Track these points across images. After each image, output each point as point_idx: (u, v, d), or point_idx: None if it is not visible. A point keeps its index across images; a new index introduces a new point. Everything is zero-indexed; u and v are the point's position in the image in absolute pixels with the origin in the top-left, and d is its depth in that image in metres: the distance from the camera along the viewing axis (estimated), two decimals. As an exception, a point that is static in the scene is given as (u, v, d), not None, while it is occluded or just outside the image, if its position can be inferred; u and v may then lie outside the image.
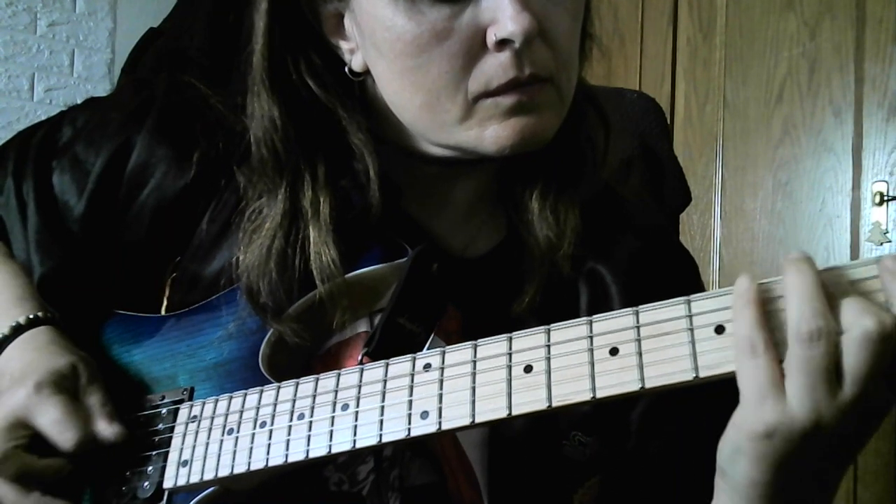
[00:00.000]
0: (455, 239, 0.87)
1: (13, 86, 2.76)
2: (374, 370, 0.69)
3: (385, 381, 0.68)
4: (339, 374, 0.71)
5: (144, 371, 0.83)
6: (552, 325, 0.64)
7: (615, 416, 0.83)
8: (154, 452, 0.77)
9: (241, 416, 0.74)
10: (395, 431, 0.66)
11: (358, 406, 0.68)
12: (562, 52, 0.75)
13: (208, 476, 0.73)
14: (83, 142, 0.89)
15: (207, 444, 0.74)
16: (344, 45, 0.81)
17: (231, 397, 0.75)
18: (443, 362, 0.67)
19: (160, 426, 0.78)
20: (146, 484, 0.76)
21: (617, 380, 0.60)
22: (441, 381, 0.66)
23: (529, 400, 0.62)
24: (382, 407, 0.67)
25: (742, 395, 0.57)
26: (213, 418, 0.75)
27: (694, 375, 0.58)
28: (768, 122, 2.28)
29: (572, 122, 0.82)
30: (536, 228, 0.83)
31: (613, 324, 0.61)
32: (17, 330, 0.81)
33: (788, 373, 0.55)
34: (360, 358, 0.76)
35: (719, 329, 0.58)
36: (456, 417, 0.64)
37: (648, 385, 0.59)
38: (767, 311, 0.57)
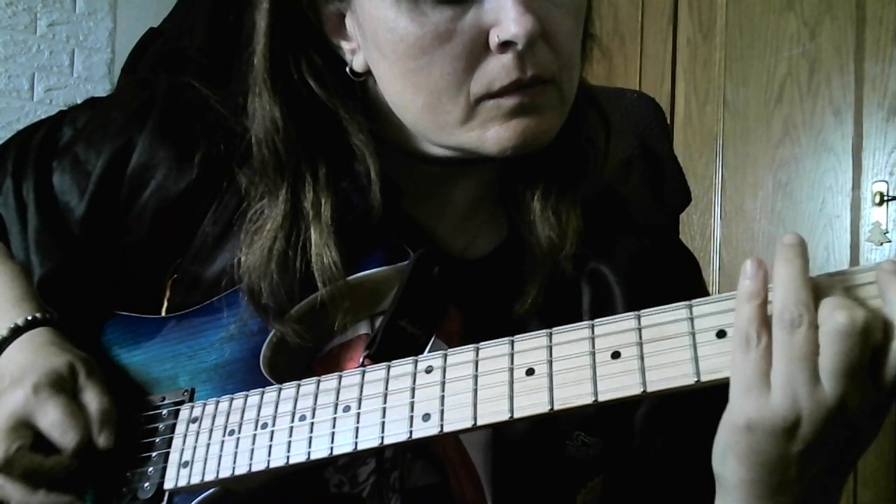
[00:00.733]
0: (456, 239, 0.87)
1: (13, 86, 2.76)
2: (376, 372, 0.70)
3: (387, 384, 0.68)
4: (340, 376, 0.71)
5: (145, 372, 0.83)
6: (554, 328, 0.64)
7: (619, 416, 0.83)
8: (155, 453, 0.77)
9: (242, 418, 0.73)
10: (396, 433, 0.66)
11: (360, 408, 0.68)
12: (564, 54, 0.75)
13: (209, 477, 0.73)
14: (84, 142, 0.89)
15: (208, 445, 0.74)
16: (345, 46, 0.80)
17: (232, 398, 0.75)
18: (445, 365, 0.67)
19: (161, 427, 0.78)
20: (147, 485, 0.76)
21: (619, 383, 0.60)
22: (443, 384, 0.66)
23: (531, 403, 0.62)
24: (384, 409, 0.67)
25: (731, 388, 0.57)
26: (214, 419, 0.75)
27: (695, 380, 0.58)
28: (768, 122, 2.28)
29: (573, 123, 0.82)
30: (538, 229, 0.83)
31: (615, 327, 0.62)
32: (16, 331, 0.81)
33: (773, 361, 0.55)
34: (361, 360, 0.76)
35: (720, 333, 0.58)
36: (458, 420, 0.64)
37: (650, 389, 0.59)
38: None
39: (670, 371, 0.59)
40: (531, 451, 0.79)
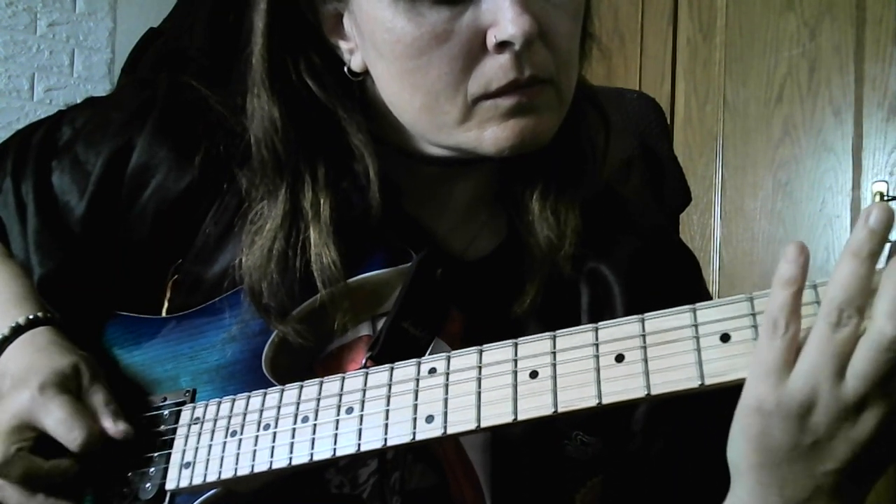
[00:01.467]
0: (455, 240, 0.87)
1: (13, 86, 2.75)
2: (379, 374, 0.70)
3: (390, 385, 0.68)
4: (343, 378, 0.71)
5: (146, 372, 0.83)
6: (558, 331, 0.64)
7: (618, 416, 0.83)
8: (156, 454, 0.77)
9: (244, 419, 0.73)
10: (400, 435, 0.66)
11: (363, 410, 0.68)
12: (561, 54, 0.75)
13: (211, 478, 0.73)
14: (83, 142, 0.89)
15: (210, 446, 0.74)
16: (343, 46, 0.80)
17: (234, 399, 0.75)
18: (448, 367, 0.67)
19: (162, 427, 0.78)
20: (148, 485, 0.76)
21: (623, 386, 0.60)
22: (446, 386, 0.66)
23: (535, 405, 0.62)
24: (387, 411, 0.67)
25: (749, 372, 0.56)
26: (215, 420, 0.75)
27: (699, 383, 0.58)
28: (768, 122, 2.28)
29: (572, 123, 0.82)
30: (537, 229, 0.83)
31: (619, 331, 0.62)
32: (17, 331, 0.81)
33: (805, 349, 0.54)
34: (363, 361, 0.76)
35: (724, 337, 0.58)
36: (461, 422, 0.64)
37: (654, 392, 0.59)
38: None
39: (674, 374, 0.59)
40: (530, 451, 0.79)
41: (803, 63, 2.23)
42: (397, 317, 0.76)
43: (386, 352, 0.75)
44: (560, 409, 0.61)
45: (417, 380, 0.67)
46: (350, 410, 0.69)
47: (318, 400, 0.71)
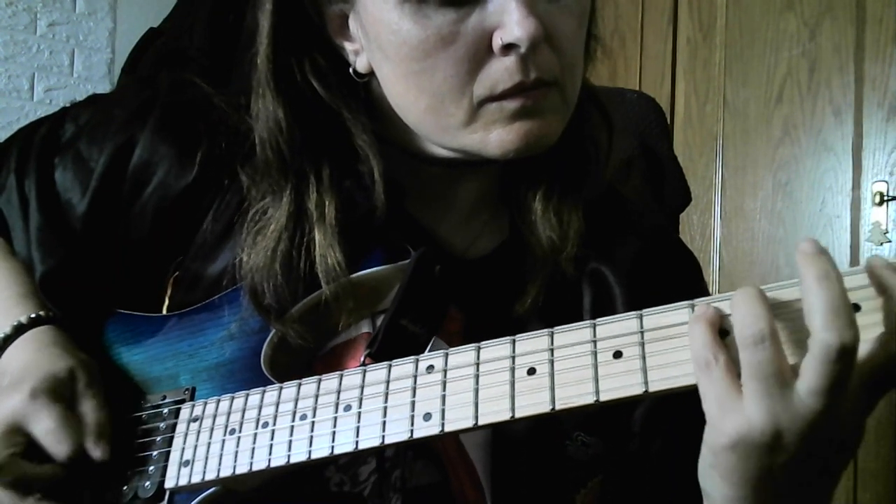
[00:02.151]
0: (458, 239, 0.87)
1: (13, 86, 2.76)
2: (377, 371, 0.69)
3: (388, 383, 0.68)
4: (341, 375, 0.71)
5: (146, 370, 0.83)
6: (555, 328, 0.64)
7: (618, 416, 0.83)
8: (155, 452, 0.77)
9: (243, 417, 0.73)
10: (397, 433, 0.66)
11: (361, 407, 0.68)
12: (567, 56, 0.75)
13: (210, 476, 0.73)
14: (86, 139, 0.89)
15: (209, 444, 0.74)
16: (348, 47, 0.80)
17: (233, 397, 0.75)
18: (446, 364, 0.67)
19: (161, 426, 0.78)
20: (147, 483, 0.76)
21: (620, 383, 0.60)
22: (444, 383, 0.66)
23: (533, 402, 0.62)
24: (385, 408, 0.67)
25: (706, 411, 0.57)
26: (214, 418, 0.75)
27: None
28: (768, 122, 2.29)
29: (576, 124, 0.82)
30: (539, 230, 0.83)
31: (617, 327, 0.61)
32: (20, 329, 0.81)
33: (743, 380, 0.55)
34: (362, 359, 0.76)
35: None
36: (459, 419, 0.64)
37: (652, 389, 0.59)
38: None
39: (672, 371, 0.58)
40: (531, 451, 0.79)
41: (803, 63, 2.24)
42: (396, 313, 0.76)
43: (385, 349, 0.75)
44: (557, 407, 0.61)
45: (415, 377, 0.67)
46: (348, 408, 0.69)
47: (317, 397, 0.71)
